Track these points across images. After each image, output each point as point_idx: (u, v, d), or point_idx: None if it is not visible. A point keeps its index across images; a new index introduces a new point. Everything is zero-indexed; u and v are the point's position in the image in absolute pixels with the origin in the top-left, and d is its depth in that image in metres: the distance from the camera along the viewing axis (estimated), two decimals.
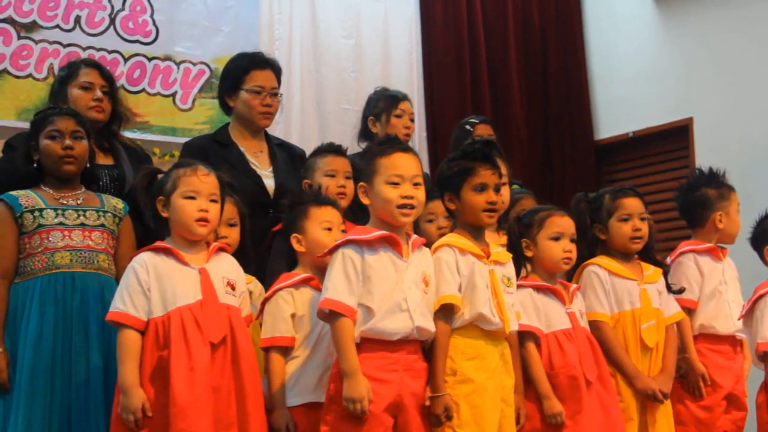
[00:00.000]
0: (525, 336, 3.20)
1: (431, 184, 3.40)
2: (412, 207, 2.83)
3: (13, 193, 3.18)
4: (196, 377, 2.74)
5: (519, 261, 3.32)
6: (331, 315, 2.75)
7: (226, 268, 2.97)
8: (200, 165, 2.98)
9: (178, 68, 5.10)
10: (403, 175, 2.83)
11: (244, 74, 3.82)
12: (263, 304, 3.06)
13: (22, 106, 4.62)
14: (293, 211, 3.15)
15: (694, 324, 3.67)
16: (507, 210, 3.46)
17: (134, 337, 2.79)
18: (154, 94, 5.04)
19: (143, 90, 5.01)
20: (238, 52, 4.02)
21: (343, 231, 3.11)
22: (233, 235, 3.26)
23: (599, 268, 3.47)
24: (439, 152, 5.69)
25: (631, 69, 6.40)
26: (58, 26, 4.80)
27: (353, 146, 4.19)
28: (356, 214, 3.39)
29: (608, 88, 6.53)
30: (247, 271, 3.12)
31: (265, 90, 3.81)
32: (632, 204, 3.53)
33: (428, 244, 3.02)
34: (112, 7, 4.95)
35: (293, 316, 2.99)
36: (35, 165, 3.24)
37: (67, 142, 3.21)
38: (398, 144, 2.96)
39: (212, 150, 3.72)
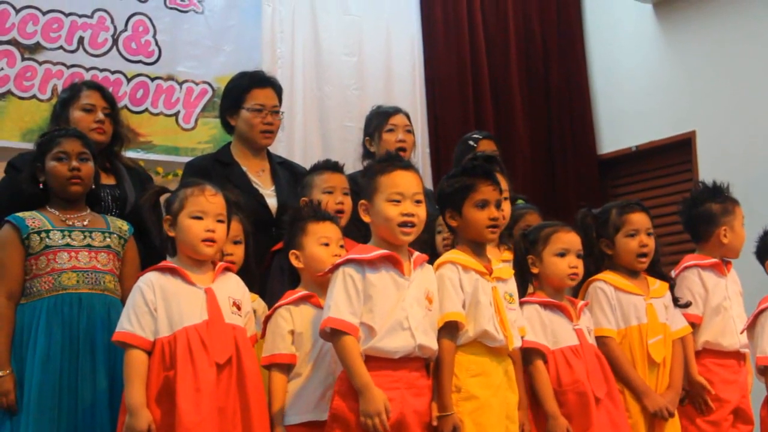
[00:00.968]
0: (532, 353, 3.19)
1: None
2: (413, 225, 2.82)
3: (20, 214, 3.19)
4: (202, 398, 2.74)
5: (525, 277, 3.32)
6: (333, 334, 2.74)
7: (232, 287, 2.97)
8: (208, 185, 2.99)
9: (181, 88, 5.12)
10: (404, 192, 2.82)
11: (245, 93, 3.83)
12: (265, 322, 3.06)
13: (26, 127, 4.63)
14: (292, 228, 3.15)
15: (699, 339, 3.66)
16: (508, 226, 3.46)
17: (141, 357, 2.79)
18: (157, 114, 5.06)
19: (146, 110, 5.02)
20: (239, 71, 4.03)
21: (341, 246, 3.11)
22: (238, 252, 3.26)
23: (605, 284, 3.46)
24: (442, 168, 5.69)
25: (634, 83, 6.41)
26: (61, 47, 4.82)
27: (357, 165, 4.18)
28: (360, 230, 3.38)
29: (611, 103, 6.54)
30: (250, 289, 3.13)
31: (266, 108, 3.82)
32: (639, 219, 3.53)
33: (432, 257, 3.02)
34: (115, 27, 4.97)
35: (292, 333, 2.98)
36: (41, 186, 3.25)
37: (74, 163, 3.22)
38: (399, 161, 2.95)
39: (214, 169, 3.73)
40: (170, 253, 2.97)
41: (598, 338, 3.37)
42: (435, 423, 2.81)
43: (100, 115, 3.66)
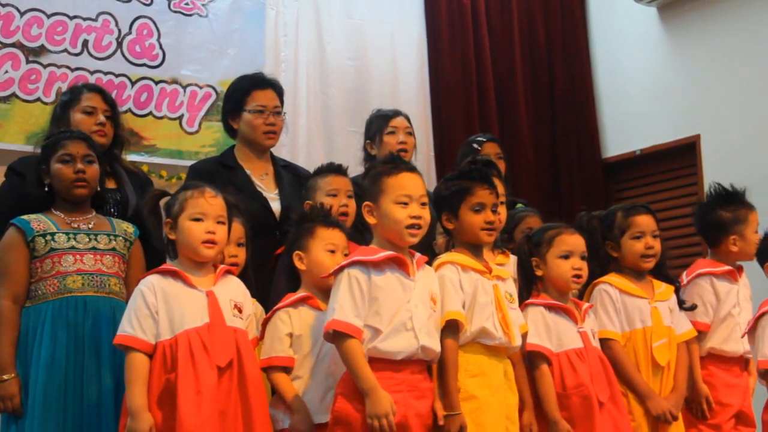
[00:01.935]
0: (537, 357, 3.18)
1: None
2: (420, 227, 2.82)
3: (25, 217, 3.19)
4: (203, 401, 2.73)
5: (529, 280, 3.32)
6: (337, 336, 2.74)
7: (233, 290, 2.96)
8: (207, 187, 2.99)
9: (185, 91, 5.13)
10: (411, 195, 2.82)
11: (246, 95, 3.83)
12: (264, 325, 3.06)
13: (31, 130, 4.63)
14: (299, 228, 3.14)
15: (705, 345, 3.65)
16: (505, 230, 3.46)
17: (142, 360, 2.79)
18: (161, 118, 5.06)
19: (150, 113, 5.03)
20: (240, 75, 4.03)
21: (345, 255, 3.09)
22: (242, 255, 3.26)
23: (610, 287, 3.46)
24: (447, 171, 5.66)
25: (638, 87, 6.41)
26: (66, 50, 4.83)
27: (359, 169, 4.17)
28: (362, 233, 3.38)
29: (615, 106, 6.54)
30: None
31: (267, 109, 3.82)
32: (645, 221, 3.52)
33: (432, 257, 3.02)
34: (119, 31, 4.98)
35: (291, 335, 2.98)
36: (46, 189, 3.25)
37: (79, 166, 3.22)
38: (404, 163, 2.97)
39: (218, 173, 3.72)
40: (171, 256, 2.97)
41: (602, 341, 3.36)
42: (441, 422, 2.80)
43: (101, 118, 3.66)
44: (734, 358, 3.66)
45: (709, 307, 3.65)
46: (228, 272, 3.01)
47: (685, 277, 3.74)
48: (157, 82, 5.05)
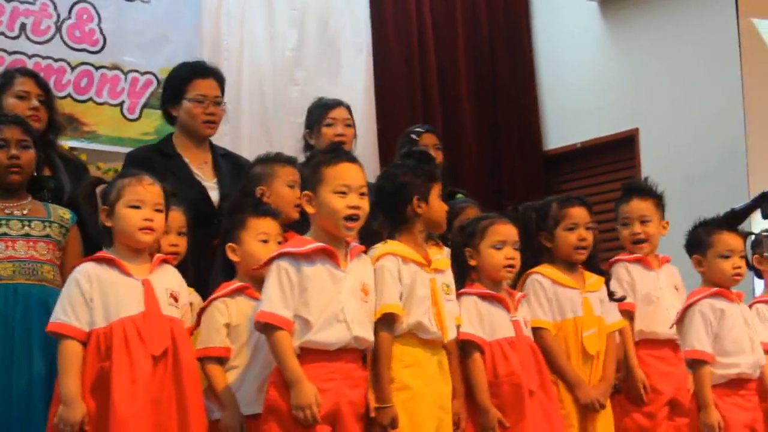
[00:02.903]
0: (470, 346, 3.22)
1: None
2: (358, 218, 2.84)
3: None
4: (137, 389, 2.73)
5: (463, 270, 3.36)
6: (267, 328, 2.75)
7: (169, 279, 2.96)
8: (145, 175, 2.97)
9: (126, 78, 5.09)
10: (350, 185, 2.83)
11: (186, 83, 3.80)
12: (199, 314, 3.06)
13: None
14: (231, 220, 3.14)
15: (634, 329, 3.72)
16: (447, 220, 3.49)
17: (76, 348, 2.77)
18: (102, 104, 5.02)
19: (90, 99, 4.99)
20: (181, 62, 4.01)
21: (279, 243, 3.10)
22: (183, 244, 3.25)
23: (542, 277, 3.50)
24: (390, 161, 5.70)
25: (579, 81, 6.51)
26: (2, 33, 4.77)
27: (300, 159, 4.18)
28: (307, 222, 3.36)
29: (557, 100, 6.63)
30: (187, 282, 3.10)
31: (207, 98, 3.79)
32: (579, 213, 3.57)
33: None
34: (58, 15, 4.92)
35: (228, 326, 2.98)
36: None
37: (13, 151, 3.18)
38: (344, 153, 2.98)
39: (156, 161, 3.69)
40: (107, 244, 2.95)
41: (534, 330, 3.41)
42: (373, 414, 2.83)
43: (35, 102, 3.61)
44: (666, 341, 3.72)
45: (628, 288, 3.72)
46: (164, 261, 3.00)
47: None
48: (97, 68, 5.01)
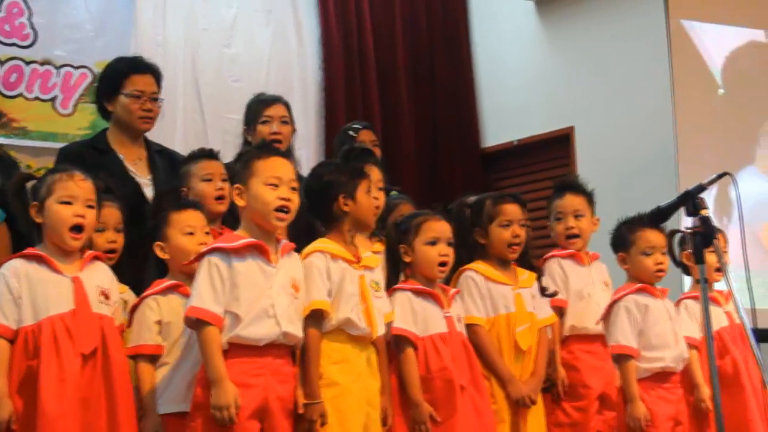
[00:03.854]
0: (402, 341, 3.24)
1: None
2: (288, 211, 2.86)
3: None
4: (65, 388, 2.70)
5: (397, 266, 3.38)
6: (196, 323, 2.75)
7: (100, 277, 2.92)
8: (76, 170, 2.94)
9: (59, 72, 4.99)
10: (282, 177, 2.86)
11: (124, 78, 3.78)
12: (131, 312, 3.04)
13: None
14: (156, 219, 3.13)
15: (566, 324, 3.78)
16: (381, 217, 3.51)
17: (3, 346, 2.73)
18: (33, 99, 4.92)
19: (20, 95, 4.88)
20: (117, 56, 3.97)
21: (207, 233, 3.11)
22: (120, 240, 3.24)
23: (475, 273, 3.53)
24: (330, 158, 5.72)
25: (516, 79, 6.58)
26: None
27: None
28: (237, 217, 3.36)
29: (494, 98, 6.69)
30: (121, 280, 3.09)
31: (145, 94, 3.78)
32: (513, 210, 3.60)
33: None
34: None
35: (159, 323, 2.98)
36: None
37: None
38: (275, 149, 3.03)
39: (89, 156, 3.66)
40: (37, 240, 2.91)
41: (467, 326, 3.44)
42: (301, 410, 2.84)
43: None
44: (597, 336, 3.77)
45: (561, 284, 3.78)
46: (96, 258, 2.97)
47: None
48: (28, 63, 4.90)
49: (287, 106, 4.26)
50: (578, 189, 3.94)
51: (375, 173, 3.36)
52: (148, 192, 3.73)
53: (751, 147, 5.27)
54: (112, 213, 3.16)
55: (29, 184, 2.98)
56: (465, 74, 6.71)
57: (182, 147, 5.02)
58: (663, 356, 3.59)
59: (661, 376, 3.61)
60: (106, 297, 2.89)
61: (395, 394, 3.20)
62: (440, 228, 3.35)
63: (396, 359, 3.24)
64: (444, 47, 6.70)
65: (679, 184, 4.82)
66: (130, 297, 3.22)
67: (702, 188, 2.94)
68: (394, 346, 3.25)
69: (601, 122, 6.03)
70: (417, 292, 3.32)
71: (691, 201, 2.92)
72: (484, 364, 3.40)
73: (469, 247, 3.60)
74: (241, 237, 2.85)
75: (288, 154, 3.12)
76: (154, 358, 2.97)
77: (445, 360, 3.24)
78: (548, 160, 6.41)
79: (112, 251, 3.20)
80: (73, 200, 2.86)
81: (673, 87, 5.06)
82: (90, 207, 2.90)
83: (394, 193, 4.01)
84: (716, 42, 5.27)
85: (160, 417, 2.91)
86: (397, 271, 3.38)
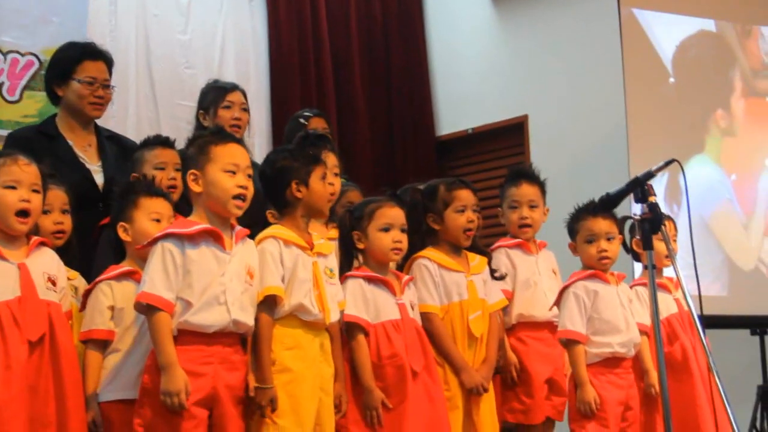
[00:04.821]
0: (354, 328, 3.24)
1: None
2: (245, 198, 2.84)
3: None
4: (12, 376, 2.66)
5: (350, 253, 3.37)
6: (147, 309, 2.73)
7: (47, 263, 2.89)
8: (20, 155, 2.89)
9: (5, 58, 4.91)
10: (239, 164, 2.84)
11: (76, 64, 3.73)
12: (85, 297, 3.01)
13: None
14: (123, 200, 3.09)
15: (513, 313, 3.80)
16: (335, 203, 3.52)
17: None
18: None
19: None
20: (68, 42, 3.91)
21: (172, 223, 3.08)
22: (68, 221, 3.21)
23: (429, 261, 3.52)
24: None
25: (470, 68, 6.60)
26: None
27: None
28: (190, 206, 3.34)
29: (448, 86, 6.71)
30: (71, 266, 3.07)
31: (97, 81, 3.75)
32: (467, 196, 3.61)
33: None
34: None
35: (112, 308, 2.95)
36: None
37: None
38: (231, 135, 3.01)
39: (38, 142, 3.62)
40: None
41: (422, 314, 3.44)
42: (252, 393, 2.83)
43: None
44: (543, 323, 3.82)
45: (508, 274, 3.80)
46: (42, 244, 2.93)
47: None
48: None
49: (244, 93, 4.31)
50: (533, 178, 3.96)
51: (331, 159, 3.36)
52: (98, 178, 3.70)
53: (702, 135, 5.33)
54: (57, 195, 3.13)
55: None
56: (420, 63, 6.72)
57: (135, 134, 4.99)
58: (611, 342, 3.62)
59: (612, 362, 3.64)
60: (54, 283, 2.86)
61: (347, 380, 3.21)
62: (394, 214, 3.35)
63: (348, 346, 3.24)
64: (399, 35, 6.70)
65: (630, 172, 4.87)
66: (81, 283, 3.18)
67: (650, 175, 2.96)
68: (346, 333, 3.25)
69: (555, 111, 6.08)
70: (369, 279, 3.32)
71: (639, 188, 2.94)
72: (438, 352, 3.41)
73: (423, 233, 3.60)
74: (195, 223, 2.82)
75: (243, 141, 3.09)
76: (105, 344, 2.94)
77: (397, 347, 3.25)
78: (503, 148, 6.45)
79: (59, 232, 3.16)
80: (17, 185, 2.83)
81: (624, 76, 5.10)
82: (35, 191, 2.87)
83: (342, 180, 4.01)
84: (667, 31, 5.32)
85: (105, 406, 2.88)
86: (350, 257, 3.38)
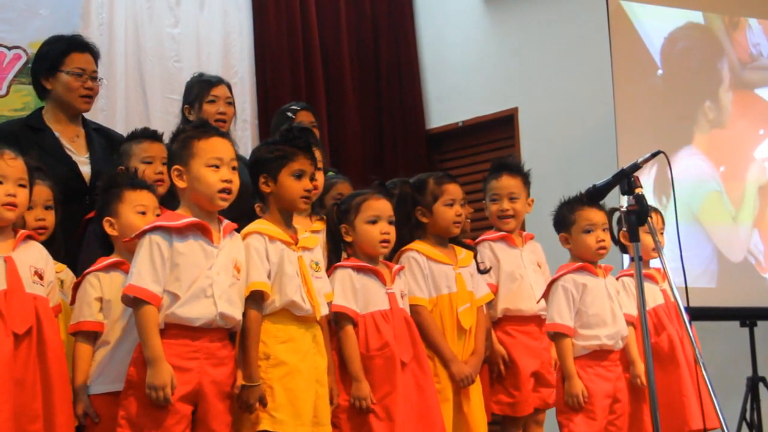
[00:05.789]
0: (342, 318, 3.24)
1: None
2: (231, 191, 2.84)
3: None
4: None
5: (338, 246, 3.37)
6: (134, 302, 2.73)
7: (34, 256, 2.88)
8: (6, 149, 2.88)
9: None
10: (223, 158, 2.84)
11: (64, 56, 3.73)
12: (74, 290, 3.00)
13: None
14: (107, 194, 3.09)
15: (499, 307, 3.80)
16: (320, 196, 3.51)
17: None
18: None
19: None
20: (54, 35, 3.90)
21: (158, 215, 3.07)
22: (50, 218, 3.19)
23: (417, 254, 3.53)
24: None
25: (460, 61, 6.59)
26: None
27: None
28: (177, 200, 3.34)
29: (439, 79, 6.70)
30: (57, 258, 3.06)
31: (86, 73, 3.74)
32: (455, 190, 3.63)
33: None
34: None
35: (100, 300, 2.95)
36: None
37: None
38: (213, 128, 3.00)
39: (24, 135, 3.61)
40: None
41: (411, 306, 3.44)
42: (237, 391, 2.83)
43: None
44: (530, 317, 3.82)
45: (493, 267, 3.81)
46: (29, 237, 2.92)
47: None
48: None
49: (229, 87, 4.31)
50: (515, 170, 3.96)
51: (315, 153, 3.35)
52: (86, 170, 3.68)
53: (690, 127, 5.34)
54: (41, 191, 3.12)
55: None
56: (410, 56, 6.70)
57: (124, 127, 4.98)
58: (599, 334, 3.63)
59: (599, 354, 3.65)
60: (40, 277, 2.85)
61: (337, 371, 3.21)
62: (381, 206, 3.35)
63: (336, 337, 3.24)
64: (389, 28, 6.69)
65: (619, 164, 4.87)
66: (68, 276, 3.18)
67: (636, 167, 2.97)
68: (334, 323, 3.25)
69: (545, 103, 6.07)
70: (358, 269, 3.31)
71: (625, 180, 2.95)
72: (427, 345, 3.41)
73: (412, 225, 3.60)
74: (182, 216, 2.82)
75: (227, 134, 3.09)
76: (95, 336, 2.94)
77: (386, 337, 3.25)
78: (493, 141, 6.44)
79: (41, 228, 3.15)
80: (3, 179, 2.82)
81: (613, 68, 5.10)
82: (22, 186, 2.86)
83: (330, 173, 4.02)
84: (655, 23, 5.32)
85: (94, 399, 2.88)
86: (338, 250, 3.38)
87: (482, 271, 3.68)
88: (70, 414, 2.82)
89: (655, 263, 4.07)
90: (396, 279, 3.40)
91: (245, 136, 5.74)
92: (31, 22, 5.01)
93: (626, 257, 4.33)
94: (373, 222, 3.33)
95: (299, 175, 3.04)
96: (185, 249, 2.77)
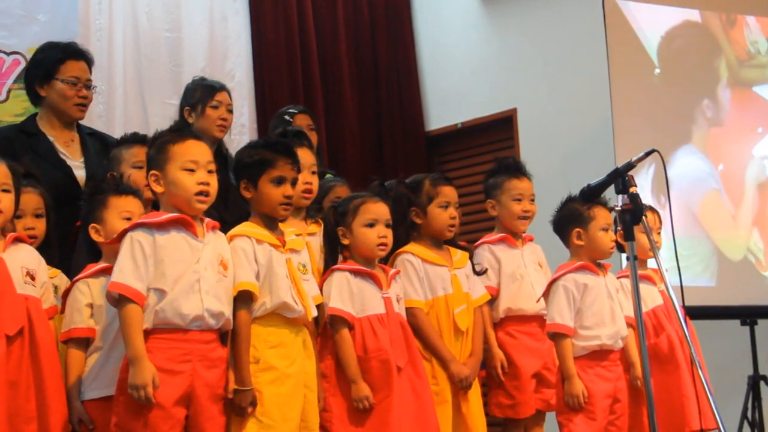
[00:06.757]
0: (338, 321, 3.23)
1: None
2: (208, 194, 2.83)
3: None
4: None
5: (335, 249, 3.37)
6: (118, 300, 2.72)
7: (25, 257, 2.88)
8: None
9: None
10: (198, 161, 2.83)
11: (59, 64, 3.73)
12: (64, 296, 3.00)
13: None
14: (92, 201, 3.08)
15: (501, 307, 3.79)
16: (317, 199, 3.50)
17: None
18: None
19: None
20: (48, 41, 3.91)
21: None
22: (40, 226, 3.17)
23: (412, 256, 3.52)
24: None
25: (459, 62, 6.59)
26: None
27: None
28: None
29: (437, 81, 6.69)
30: (51, 264, 3.05)
31: (81, 81, 3.75)
32: (451, 192, 3.63)
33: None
34: None
35: (91, 306, 2.94)
36: None
37: None
38: (189, 132, 3.00)
39: (18, 140, 3.62)
40: None
41: (407, 309, 3.43)
42: (230, 396, 2.82)
43: None
44: (532, 316, 3.81)
45: (492, 271, 3.80)
46: (18, 239, 2.91)
47: None
48: None
49: (230, 94, 4.32)
50: (527, 174, 3.96)
51: (307, 157, 3.36)
52: (80, 175, 3.68)
53: (688, 125, 5.32)
54: (31, 198, 3.10)
55: None
56: (408, 57, 6.69)
57: (122, 132, 4.86)
58: (599, 334, 3.61)
59: (600, 354, 3.63)
60: (32, 278, 2.85)
61: (332, 375, 3.21)
62: (378, 210, 3.34)
63: (332, 340, 3.23)
64: (387, 30, 6.68)
65: (617, 163, 4.86)
66: (62, 281, 3.16)
67: (631, 166, 2.95)
68: (330, 326, 3.24)
69: (543, 104, 6.07)
70: (355, 272, 3.30)
71: (620, 179, 2.94)
72: (425, 347, 3.42)
73: (407, 226, 3.59)
74: (164, 213, 2.82)
75: (201, 136, 3.07)
76: (87, 342, 2.93)
77: (382, 341, 3.24)
78: (492, 142, 6.43)
79: (31, 237, 3.11)
80: None
81: (610, 67, 5.09)
82: (5, 191, 2.85)
83: (329, 175, 4.01)
84: (652, 22, 5.30)
85: (87, 405, 2.88)
86: (335, 254, 3.37)
87: (478, 273, 3.67)
88: (64, 415, 2.81)
89: (652, 263, 4.05)
90: (392, 283, 3.39)
91: (243, 140, 5.72)
92: (29, 28, 5.01)
93: (624, 257, 4.32)
94: (371, 225, 3.32)
95: (279, 182, 3.02)
96: (168, 242, 2.76)
